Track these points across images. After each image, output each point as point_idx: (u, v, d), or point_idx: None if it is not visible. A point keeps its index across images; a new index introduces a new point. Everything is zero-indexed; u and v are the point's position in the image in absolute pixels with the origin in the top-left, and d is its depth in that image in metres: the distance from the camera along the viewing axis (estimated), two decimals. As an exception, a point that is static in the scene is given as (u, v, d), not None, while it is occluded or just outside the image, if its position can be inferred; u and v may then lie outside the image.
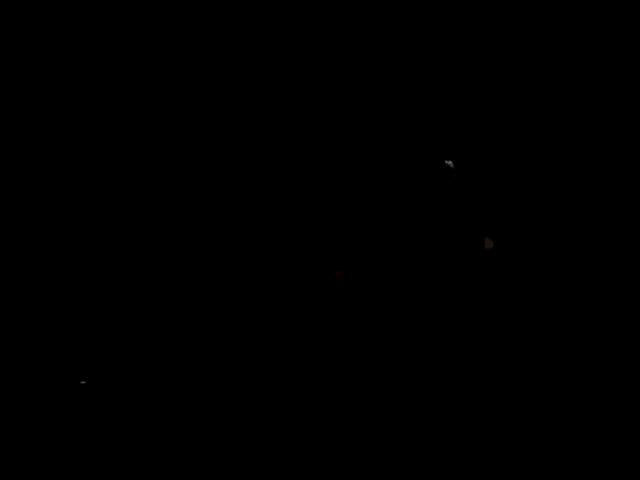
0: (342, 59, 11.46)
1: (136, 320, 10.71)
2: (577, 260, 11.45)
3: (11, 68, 10.66)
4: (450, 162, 11.12)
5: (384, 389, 9.98)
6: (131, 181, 11.36)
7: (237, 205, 11.00)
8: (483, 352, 11.47)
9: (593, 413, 9.59)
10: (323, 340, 11.07)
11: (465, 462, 7.77)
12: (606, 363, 10.94)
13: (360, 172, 11.21)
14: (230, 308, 10.81)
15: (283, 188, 11.32)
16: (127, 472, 7.28)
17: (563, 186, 11.56)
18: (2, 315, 10.59)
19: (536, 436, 9.03)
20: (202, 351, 10.23)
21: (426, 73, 11.41)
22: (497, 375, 11.04)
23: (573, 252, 11.42)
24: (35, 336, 10.38)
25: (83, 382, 9.29)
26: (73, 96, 11.15)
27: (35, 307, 10.66)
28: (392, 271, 11.43)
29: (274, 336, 10.79)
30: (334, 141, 11.03)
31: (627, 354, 10.79)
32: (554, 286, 11.35)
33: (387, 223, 11.57)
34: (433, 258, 11.47)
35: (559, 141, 11.67)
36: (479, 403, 9.91)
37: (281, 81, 11.40)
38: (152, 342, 10.56)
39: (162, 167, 10.92)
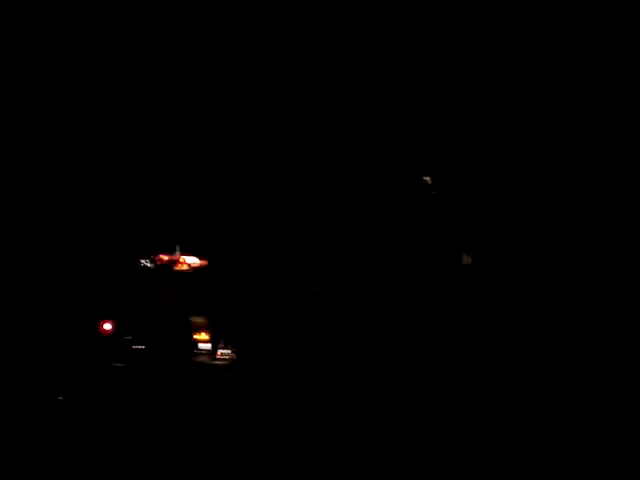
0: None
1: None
2: (549, 275, 11.43)
3: (11, 69, 10.59)
4: (428, 178, 11.16)
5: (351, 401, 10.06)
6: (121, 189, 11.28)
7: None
8: (459, 361, 11.40)
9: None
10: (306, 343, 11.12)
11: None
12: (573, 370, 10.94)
13: (335, 190, 11.21)
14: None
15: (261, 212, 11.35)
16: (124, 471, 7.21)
17: (535, 205, 11.53)
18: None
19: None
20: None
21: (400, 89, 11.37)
22: (475, 383, 10.98)
23: (545, 267, 11.41)
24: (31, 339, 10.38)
25: (60, 398, 9.36)
26: (73, 97, 11.04)
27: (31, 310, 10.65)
28: (370, 285, 11.41)
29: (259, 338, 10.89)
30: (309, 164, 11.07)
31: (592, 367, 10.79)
32: (527, 300, 11.33)
33: (365, 239, 11.54)
34: (413, 272, 11.47)
35: (530, 162, 11.65)
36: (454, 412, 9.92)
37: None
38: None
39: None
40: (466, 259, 11.70)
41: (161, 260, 11.40)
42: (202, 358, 11.27)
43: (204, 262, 11.48)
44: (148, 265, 11.61)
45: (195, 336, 11.39)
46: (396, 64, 11.48)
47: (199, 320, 11.49)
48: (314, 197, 11.48)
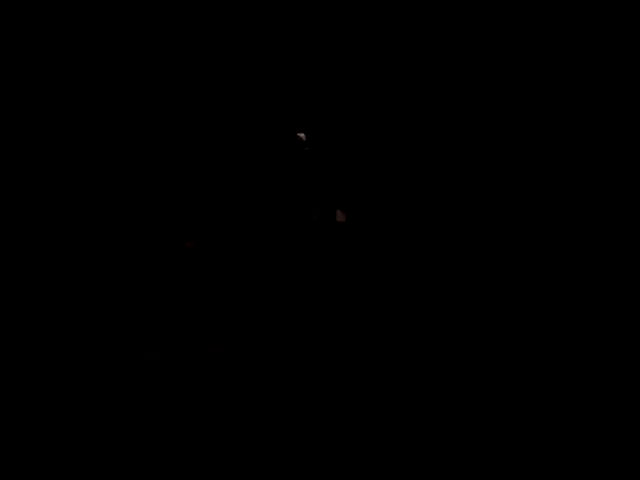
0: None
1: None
2: (423, 234, 11.39)
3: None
4: (302, 134, 11.23)
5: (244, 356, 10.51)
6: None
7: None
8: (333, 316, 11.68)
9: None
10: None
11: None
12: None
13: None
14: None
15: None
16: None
17: (409, 161, 11.43)
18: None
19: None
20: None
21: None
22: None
23: (420, 227, 11.37)
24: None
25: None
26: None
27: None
28: (245, 242, 11.74)
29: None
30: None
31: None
32: (401, 257, 11.39)
33: (240, 195, 11.83)
34: (286, 228, 11.70)
35: (402, 120, 11.50)
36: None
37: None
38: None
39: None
40: (340, 216, 11.57)
41: None
42: None
43: None
44: None
45: None
46: (274, 18, 11.18)
47: None
48: (186, 147, 11.55)
